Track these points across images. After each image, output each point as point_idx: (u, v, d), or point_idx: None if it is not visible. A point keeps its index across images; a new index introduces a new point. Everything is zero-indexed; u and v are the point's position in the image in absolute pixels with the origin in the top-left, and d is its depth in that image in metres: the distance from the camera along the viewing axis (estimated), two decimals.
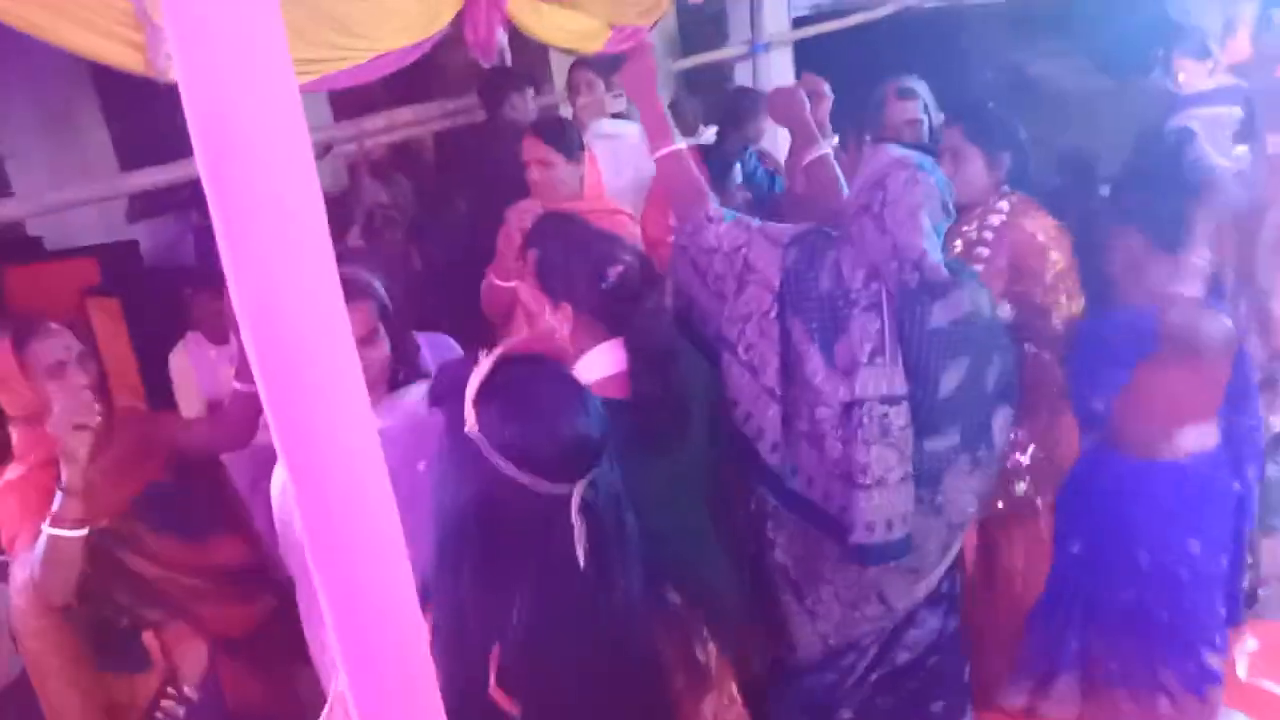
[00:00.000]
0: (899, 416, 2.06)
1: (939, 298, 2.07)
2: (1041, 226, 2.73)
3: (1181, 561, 2.60)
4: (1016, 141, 2.82)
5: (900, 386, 2.06)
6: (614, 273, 1.92)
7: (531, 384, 1.24)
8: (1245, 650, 3.21)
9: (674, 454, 1.92)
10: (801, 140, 2.77)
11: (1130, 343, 2.59)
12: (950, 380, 2.10)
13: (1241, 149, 4.06)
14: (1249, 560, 3.36)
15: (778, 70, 6.48)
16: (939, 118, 3.48)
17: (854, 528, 2.07)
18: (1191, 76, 4.66)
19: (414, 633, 0.85)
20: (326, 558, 0.80)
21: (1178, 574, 2.60)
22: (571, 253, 1.98)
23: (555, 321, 1.96)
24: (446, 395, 1.26)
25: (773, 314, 2.12)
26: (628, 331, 1.93)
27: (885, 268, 2.08)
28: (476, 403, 1.21)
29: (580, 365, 1.85)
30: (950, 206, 2.14)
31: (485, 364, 1.23)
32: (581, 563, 1.18)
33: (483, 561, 1.21)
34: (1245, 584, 3.38)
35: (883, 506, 2.06)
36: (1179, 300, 2.51)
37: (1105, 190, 4.04)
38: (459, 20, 3.34)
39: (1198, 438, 2.61)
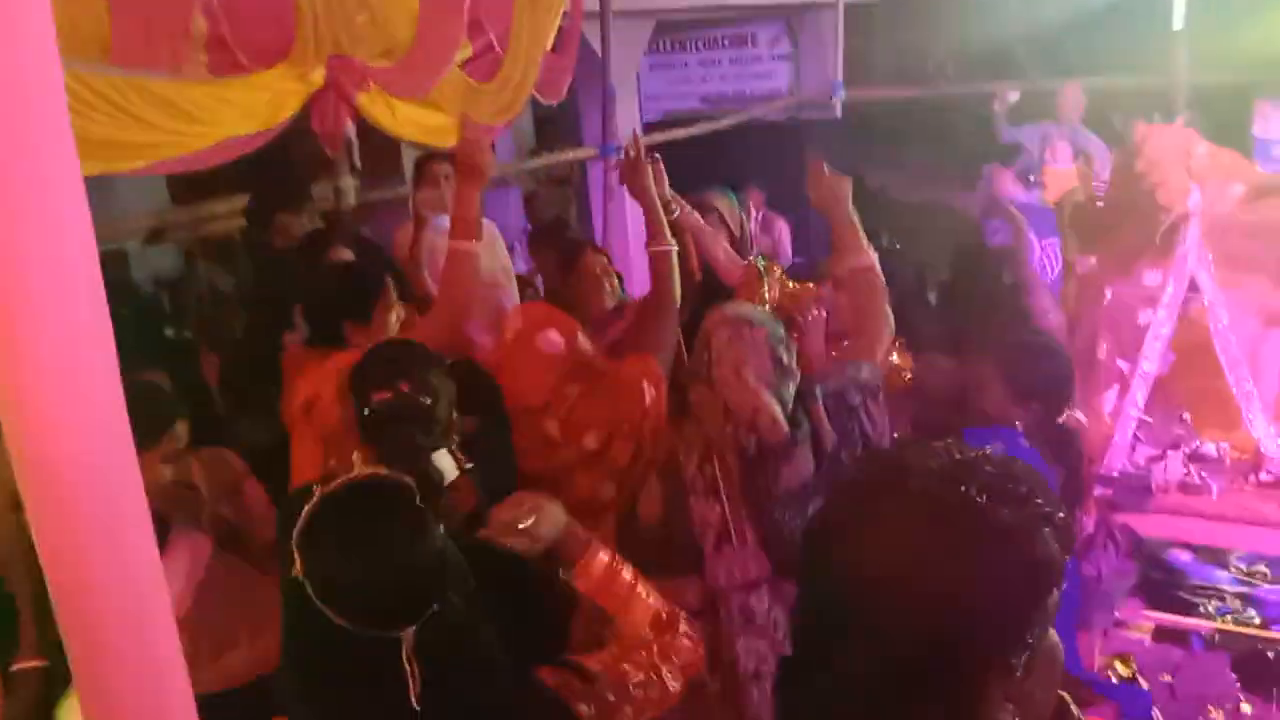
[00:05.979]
0: (760, 601, 1.90)
1: (783, 459, 1.90)
2: None
3: None
4: None
5: (756, 569, 1.90)
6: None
7: (359, 524, 1.12)
8: None
9: None
10: (845, 240, 2.39)
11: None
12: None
13: None
14: None
15: None
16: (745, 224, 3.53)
17: None
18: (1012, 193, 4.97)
19: None
20: None
21: None
22: None
23: None
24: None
25: None
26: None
27: (719, 435, 1.93)
28: (300, 545, 1.10)
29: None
30: (786, 359, 1.94)
31: (313, 501, 1.12)
32: (416, 706, 1.08)
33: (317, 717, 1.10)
34: None
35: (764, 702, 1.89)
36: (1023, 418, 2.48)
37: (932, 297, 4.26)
38: (307, 109, 3.27)
39: None
